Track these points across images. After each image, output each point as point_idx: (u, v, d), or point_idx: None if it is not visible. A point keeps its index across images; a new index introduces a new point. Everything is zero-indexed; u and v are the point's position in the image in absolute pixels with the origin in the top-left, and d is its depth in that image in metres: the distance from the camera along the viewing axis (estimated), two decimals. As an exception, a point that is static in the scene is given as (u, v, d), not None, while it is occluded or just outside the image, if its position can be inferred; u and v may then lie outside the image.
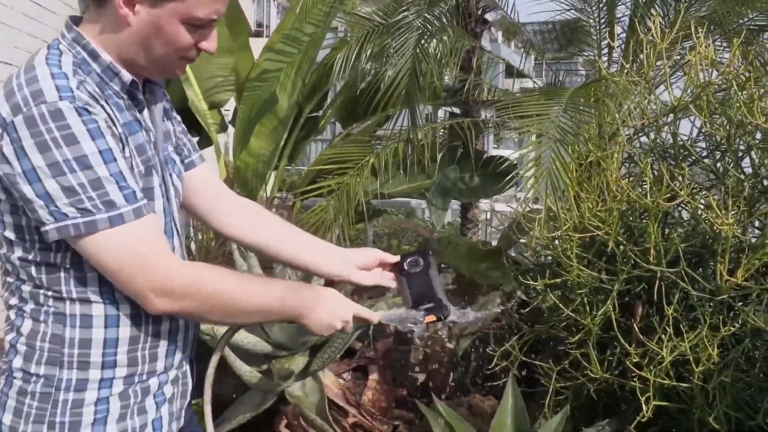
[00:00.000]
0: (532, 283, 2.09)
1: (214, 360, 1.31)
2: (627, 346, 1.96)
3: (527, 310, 2.19)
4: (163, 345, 1.20)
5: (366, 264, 1.43)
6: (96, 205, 1.04)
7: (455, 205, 4.42)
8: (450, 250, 3.47)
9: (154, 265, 1.09)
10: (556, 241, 2.13)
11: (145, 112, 1.20)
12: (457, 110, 3.98)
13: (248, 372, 2.49)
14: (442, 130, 3.21)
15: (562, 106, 1.90)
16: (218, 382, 1.39)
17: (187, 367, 1.29)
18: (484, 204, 4.25)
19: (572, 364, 2.12)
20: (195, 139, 4.18)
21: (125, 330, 1.14)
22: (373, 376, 2.97)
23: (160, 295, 1.09)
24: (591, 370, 2.01)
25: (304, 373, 2.65)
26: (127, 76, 1.14)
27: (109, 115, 1.08)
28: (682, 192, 1.87)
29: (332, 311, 1.25)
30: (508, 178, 2.21)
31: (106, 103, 1.09)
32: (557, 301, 2.01)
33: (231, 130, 4.10)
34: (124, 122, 1.12)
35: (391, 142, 2.83)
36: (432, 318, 1.27)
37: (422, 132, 2.74)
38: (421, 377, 3.39)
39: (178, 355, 1.24)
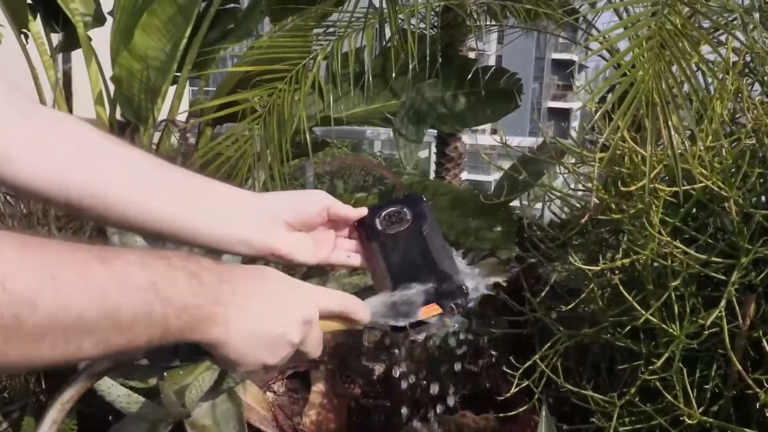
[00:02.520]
0: (582, 265, 1.50)
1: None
2: (741, 369, 1.42)
3: (567, 307, 1.62)
4: None
5: (305, 220, 0.87)
6: None
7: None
8: (426, 199, 2.88)
9: None
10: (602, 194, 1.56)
11: None
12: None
13: (124, 396, 1.86)
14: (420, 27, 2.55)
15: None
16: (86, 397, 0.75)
17: None
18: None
19: (641, 392, 1.57)
20: (56, 37, 3.45)
21: None
22: (318, 387, 2.39)
23: None
24: (678, 405, 1.46)
25: (214, 390, 2.04)
26: None
27: None
28: None
29: (281, 310, 0.70)
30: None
31: None
32: (628, 296, 1.44)
33: (110, 23, 3.33)
34: None
35: (351, 30, 2.15)
36: (434, 309, 0.79)
37: (404, 15, 2.07)
38: (378, 368, 2.89)
39: None
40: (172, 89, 3.23)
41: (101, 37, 3.36)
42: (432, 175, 3.78)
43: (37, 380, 2.48)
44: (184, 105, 3.80)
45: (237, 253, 0.88)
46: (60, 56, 5.43)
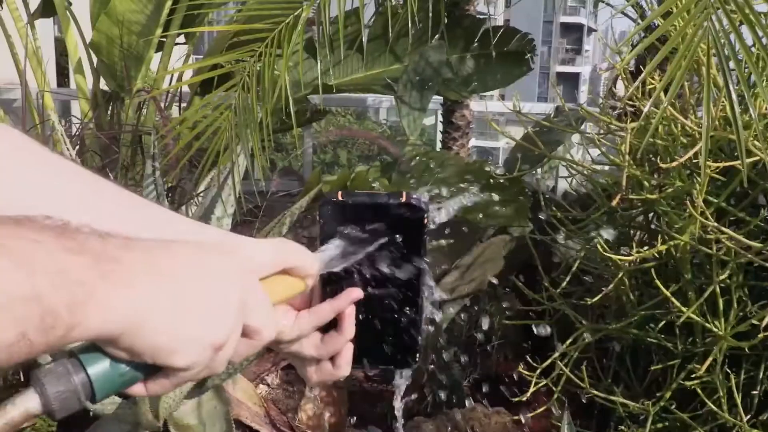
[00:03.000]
0: (611, 256, 1.30)
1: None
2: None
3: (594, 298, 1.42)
4: None
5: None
6: None
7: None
8: (430, 173, 2.67)
9: None
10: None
11: None
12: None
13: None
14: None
15: None
16: None
17: None
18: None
19: (677, 396, 1.38)
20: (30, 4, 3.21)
21: None
22: (315, 378, 2.20)
23: None
24: (721, 413, 1.26)
25: (199, 387, 1.86)
26: None
27: None
28: None
29: (205, 264, 0.51)
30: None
31: None
32: (664, 290, 1.24)
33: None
34: None
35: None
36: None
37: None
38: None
39: None
40: (157, 57, 3.01)
41: (83, 3, 3.13)
42: (438, 145, 3.56)
43: (14, 373, 2.31)
44: (174, 74, 3.57)
45: None
46: (53, 23, 5.19)
